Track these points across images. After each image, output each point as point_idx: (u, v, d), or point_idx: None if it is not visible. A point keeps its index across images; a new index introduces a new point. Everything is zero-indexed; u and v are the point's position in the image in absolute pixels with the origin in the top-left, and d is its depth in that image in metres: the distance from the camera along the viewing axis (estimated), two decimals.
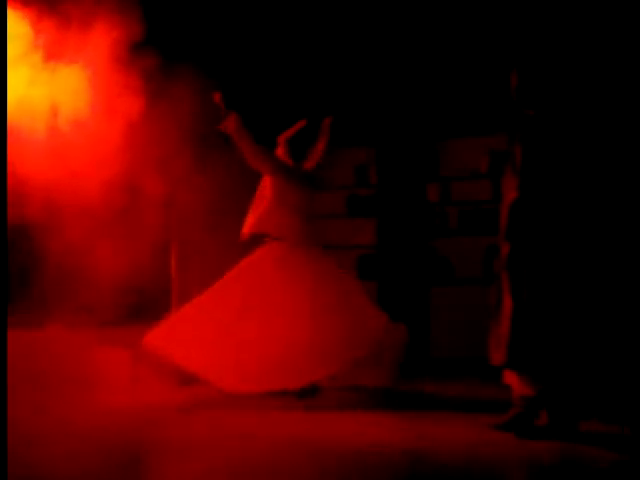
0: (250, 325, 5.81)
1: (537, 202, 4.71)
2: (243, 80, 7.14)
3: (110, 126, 6.09)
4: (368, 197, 8.07)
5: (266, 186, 6.14)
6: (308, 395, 5.95)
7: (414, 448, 4.56)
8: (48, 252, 6.49)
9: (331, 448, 4.56)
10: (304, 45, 7.51)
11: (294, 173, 6.12)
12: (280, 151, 6.19)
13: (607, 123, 5.95)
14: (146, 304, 6.94)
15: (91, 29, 5.94)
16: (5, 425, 4.34)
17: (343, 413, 5.52)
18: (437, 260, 7.80)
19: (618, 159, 5.97)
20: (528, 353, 4.69)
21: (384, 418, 5.35)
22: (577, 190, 4.76)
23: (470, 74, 7.31)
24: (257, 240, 6.20)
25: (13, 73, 5.81)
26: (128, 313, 6.88)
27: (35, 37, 5.88)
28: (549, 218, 4.71)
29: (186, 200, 6.83)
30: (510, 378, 4.84)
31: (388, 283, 7.75)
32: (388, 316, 5.94)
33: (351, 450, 4.49)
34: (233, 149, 6.07)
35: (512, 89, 4.86)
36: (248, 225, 6.12)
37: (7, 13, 5.59)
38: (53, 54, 5.95)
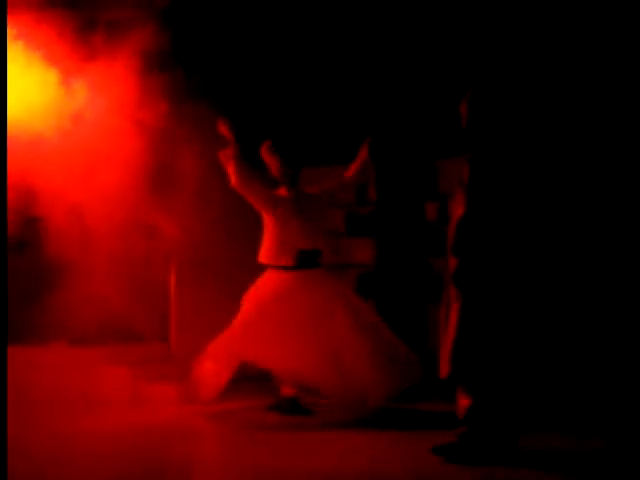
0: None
1: (483, 218, 4.82)
2: (246, 101, 7.19)
3: (118, 150, 6.14)
4: (367, 215, 8.10)
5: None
6: (303, 413, 6.00)
7: (413, 471, 4.56)
8: (52, 270, 6.51)
9: (325, 471, 4.55)
10: (304, 63, 7.56)
11: (278, 202, 6.20)
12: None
13: (551, 145, 6.14)
14: (145, 323, 6.96)
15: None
16: (5, 437, 4.34)
17: (336, 433, 5.52)
18: (434, 278, 7.82)
19: (561, 178, 6.16)
20: (471, 366, 4.74)
21: (378, 438, 5.35)
22: (522, 207, 4.90)
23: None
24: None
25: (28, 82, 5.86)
26: (128, 332, 6.90)
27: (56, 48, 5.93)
28: (495, 233, 4.83)
29: (188, 221, 6.88)
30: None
31: (387, 301, 7.76)
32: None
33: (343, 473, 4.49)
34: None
35: (462, 117, 5.08)
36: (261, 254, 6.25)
37: (7, 13, 5.63)
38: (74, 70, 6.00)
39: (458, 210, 4.86)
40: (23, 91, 5.99)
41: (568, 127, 6.77)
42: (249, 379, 6.25)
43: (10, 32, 5.74)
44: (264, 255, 6.23)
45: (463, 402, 4.82)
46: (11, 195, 5.55)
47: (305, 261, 6.15)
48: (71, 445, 5.17)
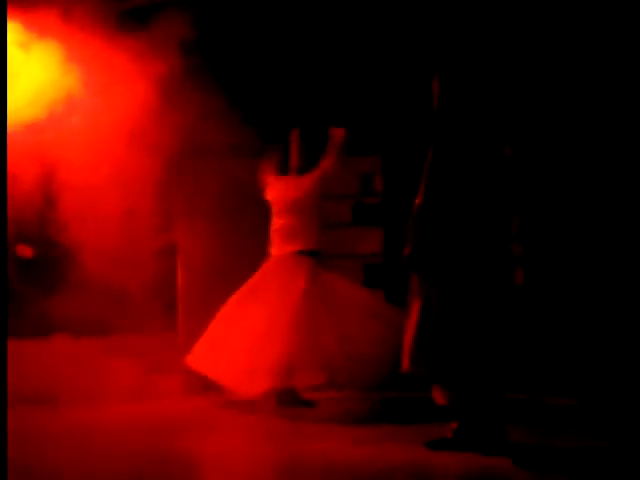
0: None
1: (439, 206, 4.60)
2: (253, 89, 7.19)
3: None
4: (374, 205, 8.07)
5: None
6: (307, 406, 5.99)
7: (413, 465, 4.51)
8: (55, 262, 6.50)
9: (322, 466, 4.51)
10: (311, 53, 7.54)
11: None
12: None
13: (517, 133, 5.98)
14: (151, 313, 6.96)
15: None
16: (5, 430, 4.33)
17: (336, 427, 5.48)
18: None
19: (521, 168, 6.02)
20: (432, 359, 4.54)
21: (378, 432, 5.30)
22: (478, 195, 4.63)
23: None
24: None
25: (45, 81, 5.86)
26: (133, 322, 6.89)
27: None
28: (449, 222, 4.61)
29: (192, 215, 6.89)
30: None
31: (394, 291, 7.74)
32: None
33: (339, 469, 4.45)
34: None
35: (434, 97, 4.80)
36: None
37: (7, 14, 5.64)
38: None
39: (418, 199, 4.64)
40: (43, 80, 6.00)
41: (540, 112, 6.67)
42: None
43: (31, 17, 5.78)
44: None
45: (437, 399, 4.66)
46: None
47: None
48: (78, 438, 5.16)
